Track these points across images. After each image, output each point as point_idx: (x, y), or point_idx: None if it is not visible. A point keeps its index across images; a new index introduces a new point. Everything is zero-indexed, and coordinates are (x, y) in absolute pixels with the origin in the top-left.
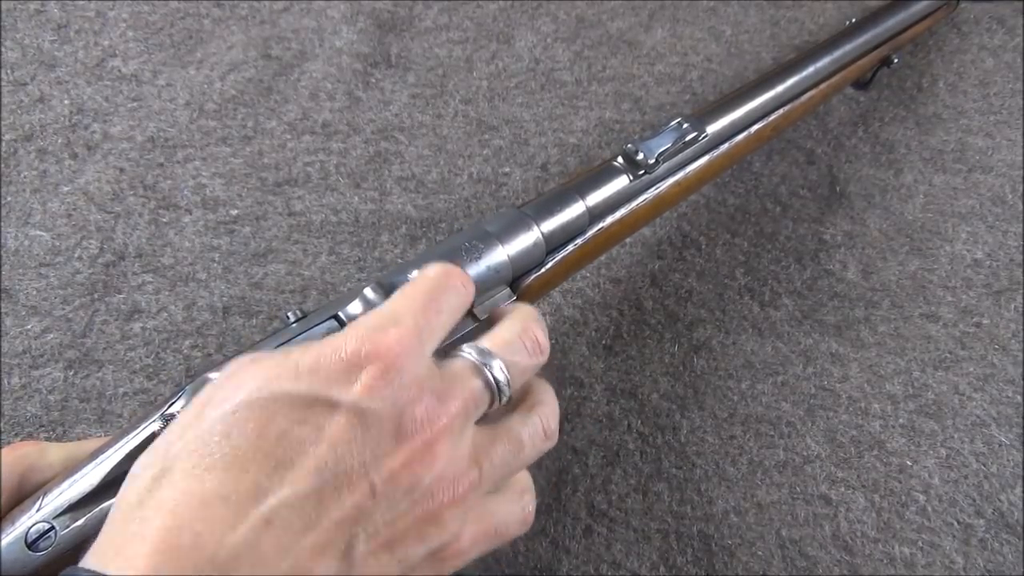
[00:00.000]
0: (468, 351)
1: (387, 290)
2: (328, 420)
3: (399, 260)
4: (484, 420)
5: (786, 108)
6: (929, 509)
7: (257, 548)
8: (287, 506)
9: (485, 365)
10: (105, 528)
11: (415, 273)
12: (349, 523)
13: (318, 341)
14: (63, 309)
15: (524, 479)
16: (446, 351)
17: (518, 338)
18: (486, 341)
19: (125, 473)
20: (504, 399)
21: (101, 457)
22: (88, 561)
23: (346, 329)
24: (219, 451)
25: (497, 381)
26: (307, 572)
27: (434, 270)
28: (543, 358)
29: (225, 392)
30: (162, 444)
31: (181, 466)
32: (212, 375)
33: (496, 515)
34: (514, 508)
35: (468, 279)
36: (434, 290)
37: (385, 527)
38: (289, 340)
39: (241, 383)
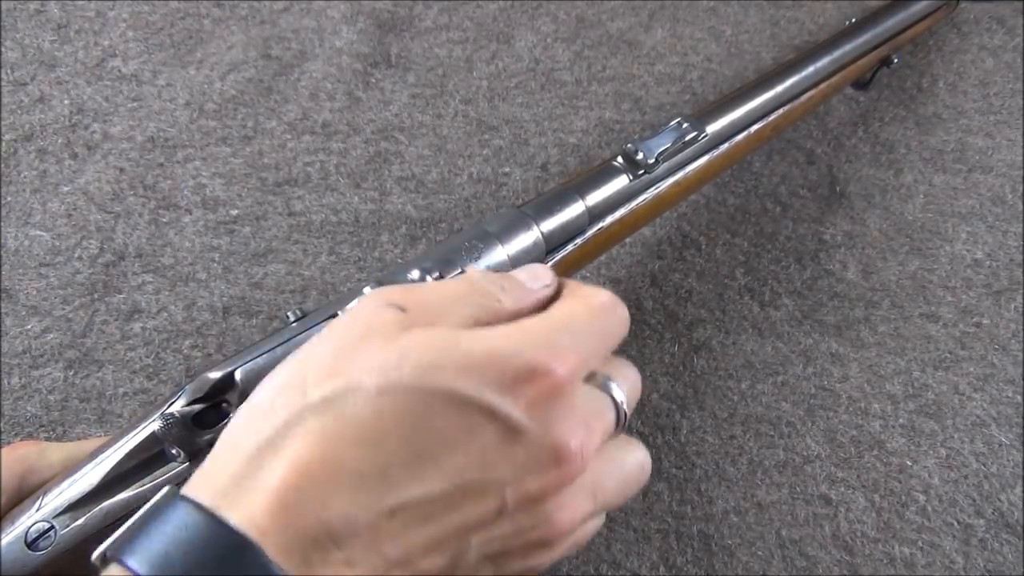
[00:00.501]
0: (606, 381)
1: None
2: (482, 428)
3: (399, 260)
4: None
5: (786, 108)
6: (929, 509)
7: (375, 533)
8: (414, 503)
9: (621, 402)
10: (220, 453)
11: (574, 287)
12: (468, 532)
13: (491, 333)
14: (63, 309)
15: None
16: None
17: (635, 375)
18: (616, 372)
19: (125, 472)
20: (624, 427)
21: (101, 457)
22: (199, 492)
23: (526, 326)
24: (367, 427)
25: (626, 417)
26: (415, 564)
27: (607, 296)
28: (639, 392)
29: (384, 358)
30: (295, 379)
31: (321, 424)
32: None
33: (585, 534)
34: (600, 522)
35: (627, 319)
36: (610, 319)
37: (500, 542)
38: (288, 340)
39: (405, 357)
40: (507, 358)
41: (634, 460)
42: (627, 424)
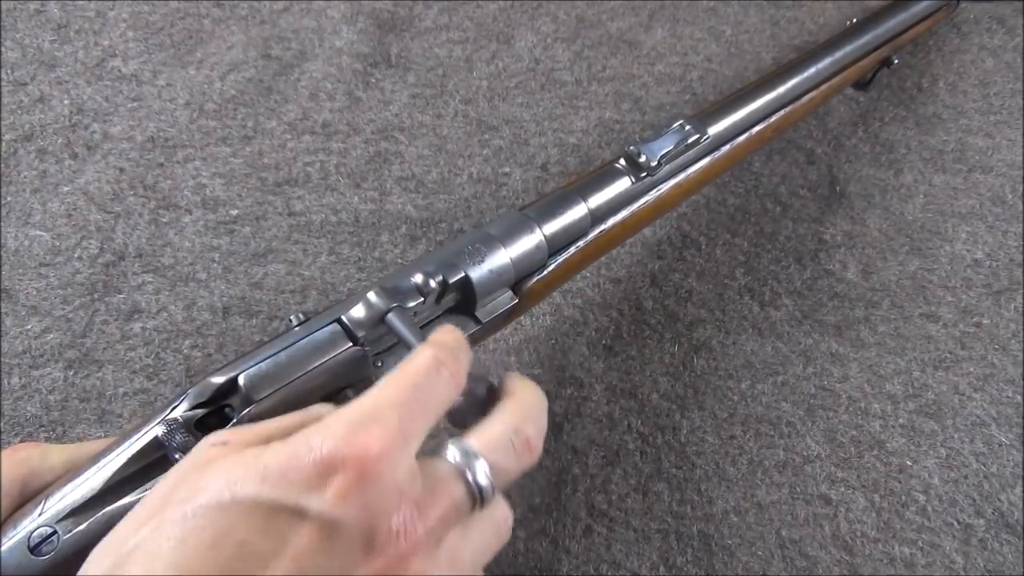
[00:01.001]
0: (453, 453)
1: (390, 294)
2: (293, 531)
3: (399, 260)
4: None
5: (787, 109)
6: (929, 509)
7: None
8: None
9: (470, 469)
10: None
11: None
12: None
13: (292, 438)
14: (63, 309)
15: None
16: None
17: (509, 439)
18: (473, 439)
19: (128, 477)
20: (485, 505)
21: (103, 461)
22: None
23: (323, 423)
24: (171, 557)
25: (480, 487)
26: None
27: (424, 358)
28: (532, 460)
29: (188, 489)
30: (120, 534)
31: (133, 567)
32: (216, 379)
33: None
34: None
35: (460, 367)
36: (422, 382)
37: None
38: (291, 344)
39: (205, 482)
40: (306, 452)
41: (492, 520)
42: (488, 498)
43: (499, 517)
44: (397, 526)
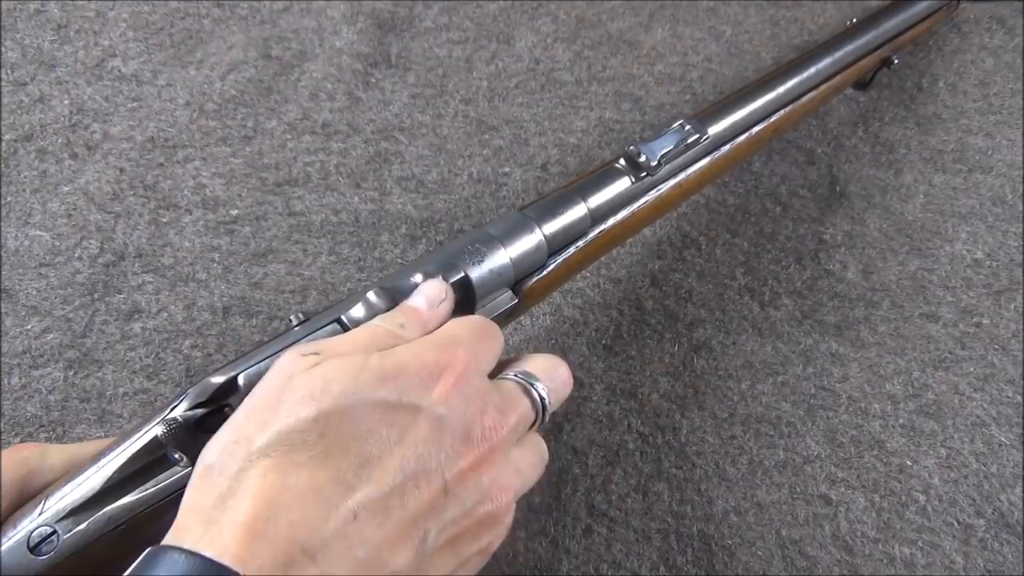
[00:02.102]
0: (515, 375)
1: (390, 294)
2: (410, 423)
3: (399, 260)
4: None
5: (787, 109)
6: (929, 509)
7: (344, 538)
8: (372, 501)
9: (532, 386)
10: (185, 513)
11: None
12: (424, 518)
13: (393, 350)
14: (63, 309)
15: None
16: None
17: (554, 368)
18: (528, 366)
19: (128, 476)
20: (546, 418)
21: (103, 461)
22: (177, 540)
23: (413, 343)
24: (313, 448)
25: (543, 400)
26: (385, 562)
27: (477, 317)
28: (569, 391)
29: (311, 388)
30: (238, 435)
31: (272, 459)
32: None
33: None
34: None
35: (500, 333)
36: (484, 327)
37: (452, 524)
38: (293, 343)
39: (329, 382)
40: (412, 362)
41: (537, 447)
42: (548, 411)
43: (541, 448)
44: (488, 423)
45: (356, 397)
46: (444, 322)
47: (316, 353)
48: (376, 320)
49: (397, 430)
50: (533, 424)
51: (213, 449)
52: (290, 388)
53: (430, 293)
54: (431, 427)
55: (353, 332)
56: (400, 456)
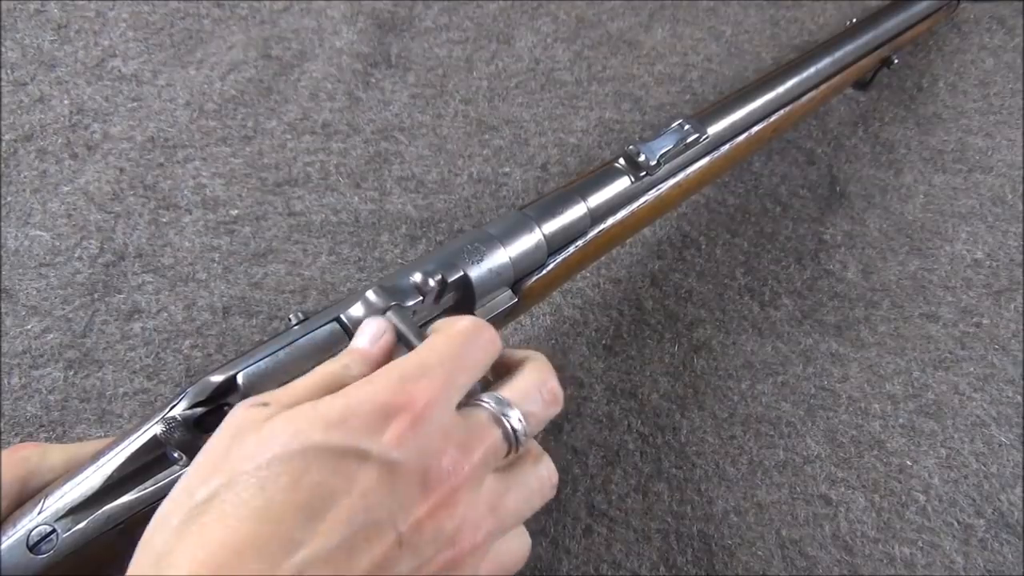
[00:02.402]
0: (488, 401)
1: (389, 293)
2: (359, 471)
3: (399, 260)
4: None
5: (787, 109)
6: (929, 509)
7: None
8: (319, 558)
9: (504, 416)
10: (137, 557)
11: (440, 322)
12: (378, 571)
13: (346, 391)
14: (63, 309)
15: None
16: (467, 398)
17: (536, 389)
18: (505, 391)
19: (127, 475)
20: (521, 449)
21: (102, 460)
22: None
23: (376, 376)
24: (254, 503)
25: (515, 431)
26: None
27: (466, 322)
28: (558, 408)
29: (255, 444)
30: (185, 491)
31: (213, 515)
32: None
33: (507, 554)
34: (522, 543)
35: (497, 336)
36: (465, 344)
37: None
38: (291, 342)
39: (273, 434)
40: (364, 401)
41: (536, 475)
42: (522, 441)
43: (543, 474)
44: (447, 466)
45: (301, 447)
46: (386, 354)
47: (265, 404)
48: (320, 367)
49: (344, 479)
50: (507, 455)
51: (162, 505)
52: (236, 443)
53: (370, 330)
54: (381, 474)
55: (300, 379)
56: (347, 508)
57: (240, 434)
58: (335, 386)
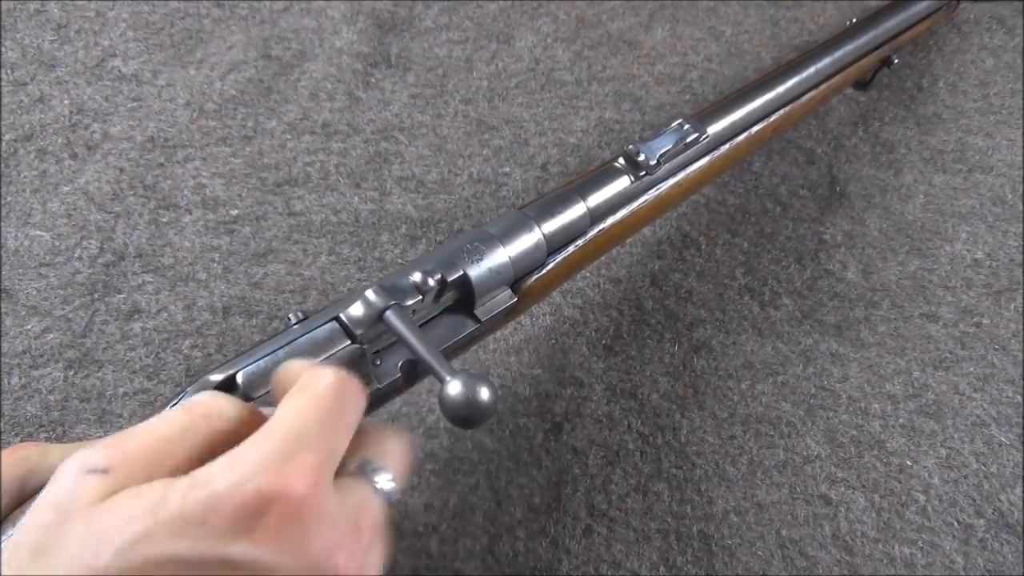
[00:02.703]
0: (360, 466)
1: (389, 292)
2: None
3: (399, 260)
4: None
5: (787, 109)
6: (929, 509)
7: None
8: None
9: (378, 479)
10: None
11: (292, 368)
12: None
13: (200, 475)
14: (63, 309)
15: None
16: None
17: (401, 446)
18: (371, 449)
19: None
20: (393, 506)
21: None
22: None
23: (236, 457)
24: None
25: (388, 496)
26: None
27: (331, 378)
28: (413, 455)
29: (80, 540)
30: (10, 564)
31: None
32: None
33: None
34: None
35: (361, 387)
36: (335, 405)
37: None
38: (292, 342)
39: (107, 538)
40: (230, 496)
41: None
42: (395, 502)
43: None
44: (343, 563)
45: (139, 560)
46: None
47: (104, 470)
48: (188, 403)
49: None
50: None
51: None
52: (61, 535)
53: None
54: None
55: (156, 423)
56: None
57: (65, 517)
58: (204, 439)
